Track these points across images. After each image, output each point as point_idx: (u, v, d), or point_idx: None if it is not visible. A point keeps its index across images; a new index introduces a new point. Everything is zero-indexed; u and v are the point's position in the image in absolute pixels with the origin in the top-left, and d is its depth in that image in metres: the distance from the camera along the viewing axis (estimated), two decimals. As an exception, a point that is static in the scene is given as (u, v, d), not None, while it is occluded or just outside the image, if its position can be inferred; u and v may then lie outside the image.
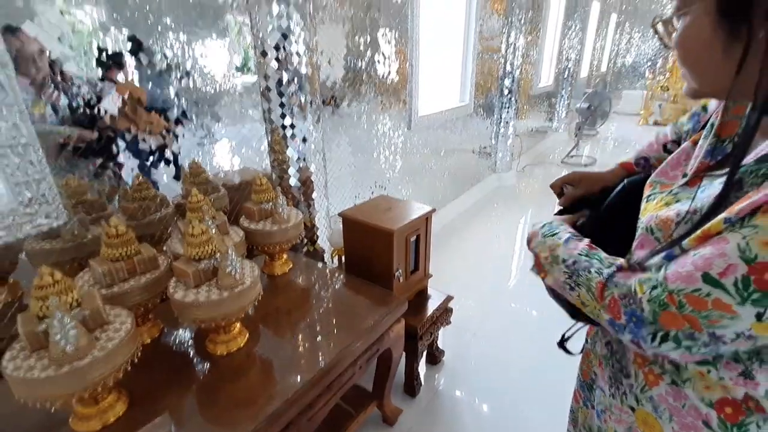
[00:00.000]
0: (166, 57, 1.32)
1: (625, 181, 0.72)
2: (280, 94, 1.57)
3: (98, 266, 0.92)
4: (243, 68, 1.60)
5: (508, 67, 4.01)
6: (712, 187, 0.50)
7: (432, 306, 1.60)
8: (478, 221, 3.56)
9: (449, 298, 1.68)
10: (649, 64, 9.37)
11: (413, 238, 1.44)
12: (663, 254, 0.51)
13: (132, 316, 0.82)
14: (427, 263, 1.57)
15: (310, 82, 1.63)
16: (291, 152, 1.69)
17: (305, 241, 1.83)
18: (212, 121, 1.54)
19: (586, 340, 0.81)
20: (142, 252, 0.97)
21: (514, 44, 3.92)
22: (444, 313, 1.67)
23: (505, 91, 4.09)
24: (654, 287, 0.47)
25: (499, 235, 3.33)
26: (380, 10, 2.18)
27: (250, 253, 1.30)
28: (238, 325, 1.02)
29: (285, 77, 1.56)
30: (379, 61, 2.27)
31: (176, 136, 1.40)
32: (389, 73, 2.36)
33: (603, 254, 0.58)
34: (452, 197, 3.57)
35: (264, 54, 1.51)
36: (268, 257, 1.36)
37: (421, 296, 1.64)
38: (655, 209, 0.57)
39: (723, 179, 0.47)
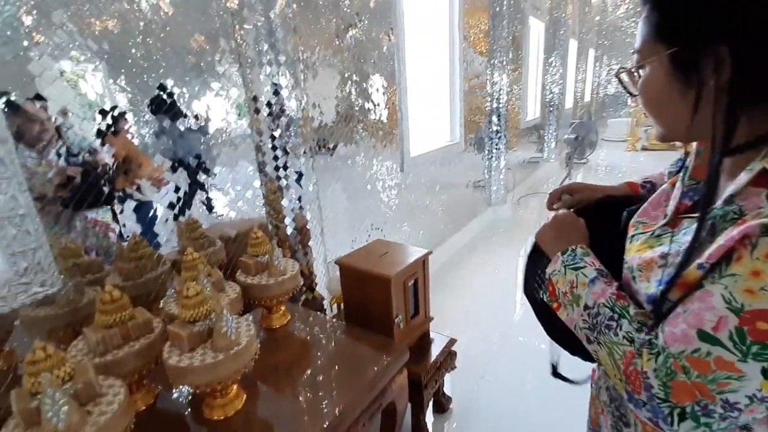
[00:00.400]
0: (171, 114, 1.37)
1: (625, 213, 0.70)
2: (274, 148, 1.61)
3: (92, 334, 0.90)
4: (239, 116, 1.67)
5: (495, 104, 4.15)
6: (691, 231, 0.50)
7: (435, 351, 1.56)
8: (477, 256, 3.55)
9: (452, 341, 1.64)
10: (630, 92, 9.72)
11: (411, 282, 1.43)
12: (646, 297, 0.52)
13: (125, 386, 0.81)
14: (427, 306, 1.55)
15: (302, 134, 1.68)
16: (286, 202, 1.71)
17: (304, 289, 1.82)
18: (209, 174, 1.57)
19: (591, 386, 0.79)
20: (136, 316, 0.96)
21: (499, 83, 4.09)
22: (448, 356, 1.63)
23: (494, 127, 4.22)
24: (657, 355, 0.46)
25: (500, 268, 3.31)
26: (368, 60, 2.29)
27: (247, 306, 1.28)
28: (235, 387, 0.99)
29: (278, 131, 1.61)
30: (369, 109, 2.35)
31: (178, 190, 1.43)
32: (380, 118, 2.44)
33: (632, 308, 0.53)
34: (450, 233, 3.59)
35: (257, 111, 1.57)
36: (265, 310, 1.35)
37: (423, 341, 1.60)
38: (638, 250, 0.58)
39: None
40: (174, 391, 1.09)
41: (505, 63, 4.07)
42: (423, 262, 1.47)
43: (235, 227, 1.67)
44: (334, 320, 1.39)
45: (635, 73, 0.56)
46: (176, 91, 1.44)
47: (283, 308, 1.37)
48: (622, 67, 0.59)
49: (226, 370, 0.88)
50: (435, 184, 3.24)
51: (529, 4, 4.91)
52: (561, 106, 6.67)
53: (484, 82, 4.04)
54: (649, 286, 0.52)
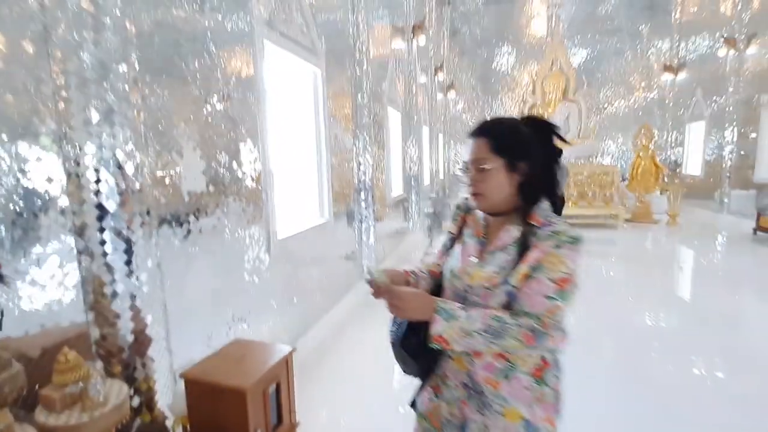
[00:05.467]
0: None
1: None
2: (101, 230, 1.34)
3: None
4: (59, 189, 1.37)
5: (363, 179, 4.41)
6: (500, 257, 0.96)
7: (303, 463, 1.39)
8: (352, 331, 3.49)
9: (323, 446, 1.50)
10: (474, 173, 11.63)
11: (272, 388, 1.29)
12: (506, 293, 0.93)
13: None
14: (292, 412, 1.40)
15: (142, 213, 1.44)
16: (118, 302, 1.42)
17: (143, 410, 1.47)
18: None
19: (414, 403, 1.19)
20: None
21: (364, 161, 4.40)
22: (318, 465, 1.47)
23: (362, 201, 4.44)
24: (529, 316, 0.89)
25: (375, 340, 3.29)
26: (230, 137, 2.22)
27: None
28: None
29: (111, 208, 1.34)
30: (231, 188, 2.24)
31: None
32: (244, 198, 2.34)
33: (498, 311, 0.91)
34: (324, 311, 3.48)
35: (80, 185, 1.31)
36: (75, 457, 1.03)
37: (290, 453, 1.42)
38: (476, 276, 0.98)
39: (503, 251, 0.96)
40: None
41: (369, 143, 4.43)
42: (286, 362, 1.35)
43: (41, 341, 1.31)
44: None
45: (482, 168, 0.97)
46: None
47: (102, 449, 1.07)
48: (474, 164, 0.99)
49: None
50: (306, 262, 3.16)
51: (386, 97, 5.57)
52: (420, 182, 7.48)
53: (352, 159, 4.29)
54: (501, 288, 0.93)
